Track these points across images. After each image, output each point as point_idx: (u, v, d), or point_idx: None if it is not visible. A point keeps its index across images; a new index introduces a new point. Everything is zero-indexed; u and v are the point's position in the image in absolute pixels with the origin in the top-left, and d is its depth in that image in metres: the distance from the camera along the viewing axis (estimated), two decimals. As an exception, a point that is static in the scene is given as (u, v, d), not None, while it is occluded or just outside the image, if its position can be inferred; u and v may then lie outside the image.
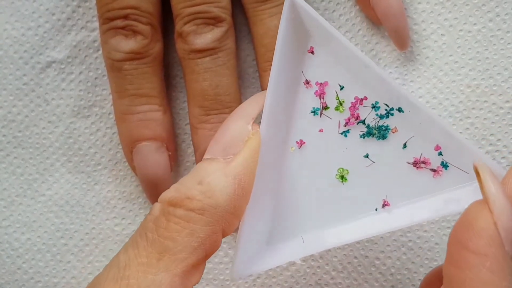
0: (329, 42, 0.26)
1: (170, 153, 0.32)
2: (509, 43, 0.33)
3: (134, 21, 0.31)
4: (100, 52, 0.33)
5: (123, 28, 0.31)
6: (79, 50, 0.34)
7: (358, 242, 0.34)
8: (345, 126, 0.27)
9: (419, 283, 0.34)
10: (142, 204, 0.34)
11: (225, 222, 0.24)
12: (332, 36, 0.25)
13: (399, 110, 0.26)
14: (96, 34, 0.33)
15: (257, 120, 0.26)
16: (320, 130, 0.27)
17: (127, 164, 0.33)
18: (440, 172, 0.26)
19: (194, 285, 0.24)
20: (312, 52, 0.27)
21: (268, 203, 0.26)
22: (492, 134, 0.33)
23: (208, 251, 0.24)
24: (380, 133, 0.27)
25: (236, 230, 0.26)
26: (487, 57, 0.33)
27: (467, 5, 0.33)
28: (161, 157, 0.32)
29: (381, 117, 0.26)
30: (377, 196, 0.27)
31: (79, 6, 0.33)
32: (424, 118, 0.25)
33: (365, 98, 0.26)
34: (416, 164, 0.26)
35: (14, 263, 0.34)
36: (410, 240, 0.34)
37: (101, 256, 0.34)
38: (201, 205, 0.24)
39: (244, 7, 0.32)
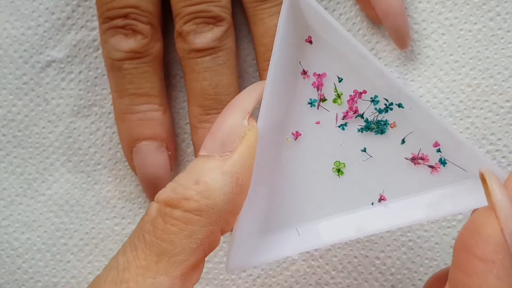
0: (328, 32, 0.25)
1: (170, 152, 0.32)
2: (509, 42, 0.33)
3: (134, 20, 0.31)
4: (100, 51, 0.33)
5: (123, 27, 0.31)
6: (79, 49, 0.34)
7: (358, 242, 0.34)
8: (343, 119, 0.26)
9: (419, 282, 0.34)
10: (142, 204, 0.34)
11: (223, 221, 0.24)
12: (332, 27, 0.25)
13: (399, 105, 0.26)
14: (96, 33, 0.33)
15: (253, 113, 0.25)
16: (317, 122, 0.26)
17: (127, 163, 0.33)
18: (438, 169, 0.26)
19: (195, 284, 0.24)
20: (310, 42, 0.26)
21: (263, 194, 0.26)
22: (492, 134, 0.33)
23: (207, 250, 0.24)
24: (379, 127, 0.26)
25: None
26: (487, 56, 0.33)
27: (467, 4, 0.33)
28: (161, 156, 0.32)
29: (380, 111, 0.26)
30: (374, 190, 0.27)
31: (79, 5, 0.33)
32: (423, 114, 0.25)
33: (364, 91, 0.26)
34: (414, 160, 0.26)
35: (14, 263, 0.34)
36: (410, 240, 0.34)
37: (101, 255, 0.34)
38: (199, 206, 0.23)
39: (244, 7, 0.32)
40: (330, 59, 0.26)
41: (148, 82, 0.31)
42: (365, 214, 0.26)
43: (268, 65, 0.31)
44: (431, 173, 0.26)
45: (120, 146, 0.33)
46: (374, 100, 0.26)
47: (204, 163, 0.24)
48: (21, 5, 0.33)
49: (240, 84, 0.33)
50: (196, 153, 0.32)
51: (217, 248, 0.34)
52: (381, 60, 0.33)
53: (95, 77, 0.34)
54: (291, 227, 0.27)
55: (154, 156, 0.32)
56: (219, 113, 0.31)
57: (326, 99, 0.26)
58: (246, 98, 0.26)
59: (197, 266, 0.24)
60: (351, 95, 0.26)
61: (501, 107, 0.33)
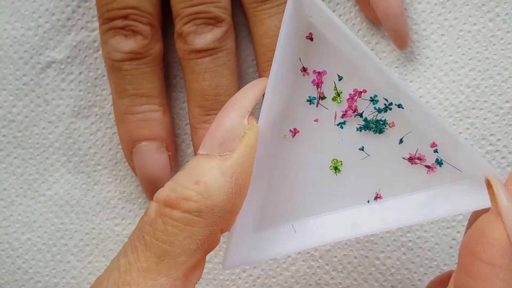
0: (330, 30, 0.25)
1: (170, 153, 0.32)
2: (509, 43, 0.33)
3: (134, 21, 0.31)
4: (100, 52, 0.33)
5: (123, 28, 0.31)
6: (79, 50, 0.34)
7: (358, 242, 0.34)
8: (342, 117, 0.26)
9: (419, 283, 0.34)
10: (142, 204, 0.34)
11: (223, 221, 0.24)
12: (334, 24, 0.25)
13: (399, 106, 0.26)
14: (96, 34, 0.33)
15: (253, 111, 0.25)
16: (316, 120, 0.26)
17: (127, 164, 0.33)
18: (434, 169, 0.26)
19: (196, 283, 0.24)
20: (311, 39, 0.26)
21: (259, 190, 0.26)
22: (492, 134, 0.33)
23: (207, 250, 0.24)
24: (377, 127, 0.26)
25: None
26: (487, 57, 0.33)
27: (467, 5, 0.33)
28: (161, 157, 0.32)
29: (379, 111, 0.26)
30: (370, 189, 0.27)
31: (79, 6, 0.33)
32: (422, 114, 0.25)
33: (364, 91, 0.26)
34: (411, 159, 0.26)
35: (14, 263, 0.34)
36: (410, 240, 0.34)
37: (101, 256, 0.34)
38: (198, 206, 0.23)
39: (244, 7, 0.32)
40: (330, 57, 0.26)
41: (148, 82, 0.31)
42: (360, 212, 0.26)
43: (268, 65, 0.31)
44: (427, 173, 0.26)
45: (120, 146, 0.33)
46: (373, 100, 0.26)
47: (204, 163, 0.24)
48: (21, 6, 0.33)
49: (240, 85, 0.33)
50: (196, 153, 0.32)
51: (217, 248, 0.34)
52: (380, 61, 0.33)
53: (95, 78, 0.34)
54: (287, 224, 0.27)
55: (154, 156, 0.32)
56: (219, 113, 0.31)
57: (325, 97, 0.26)
58: (245, 97, 0.25)
59: (197, 266, 0.24)
60: (351, 94, 0.26)
61: (501, 107, 0.33)
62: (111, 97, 0.33)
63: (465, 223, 0.33)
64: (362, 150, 0.26)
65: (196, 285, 0.34)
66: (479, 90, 0.33)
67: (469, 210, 0.25)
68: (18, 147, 0.34)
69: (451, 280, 0.24)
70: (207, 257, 0.34)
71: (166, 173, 0.32)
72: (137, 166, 0.32)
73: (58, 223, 0.34)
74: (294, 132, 0.26)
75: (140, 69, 0.31)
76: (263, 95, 0.25)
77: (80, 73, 0.34)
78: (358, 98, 0.26)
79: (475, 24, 0.33)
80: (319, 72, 0.26)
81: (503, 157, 0.33)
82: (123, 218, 0.34)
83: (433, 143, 0.26)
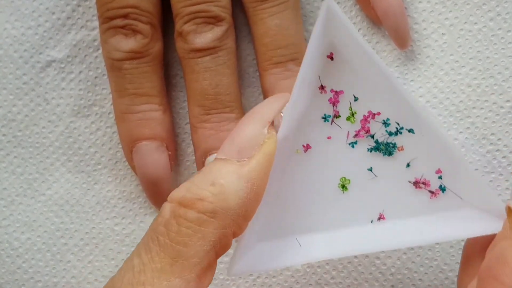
0: (352, 50, 0.26)
1: (170, 152, 0.32)
2: (509, 42, 0.33)
3: (134, 20, 0.31)
4: (100, 51, 0.33)
5: (123, 27, 0.31)
6: (79, 49, 0.34)
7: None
8: (354, 137, 0.27)
9: (419, 282, 0.34)
10: (142, 204, 0.34)
11: (236, 225, 0.24)
12: (359, 45, 0.25)
13: (410, 130, 0.26)
14: (96, 33, 0.33)
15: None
16: (328, 137, 0.27)
17: (127, 163, 0.33)
18: (437, 195, 0.27)
19: (208, 285, 0.24)
20: (331, 58, 0.26)
21: (267, 200, 0.26)
22: (492, 134, 0.33)
23: (219, 252, 0.24)
24: (387, 149, 0.27)
25: None
26: (487, 56, 0.33)
27: (467, 4, 0.33)
28: (160, 156, 0.32)
29: (390, 134, 0.27)
30: (374, 209, 0.27)
31: (79, 5, 0.33)
32: (433, 140, 0.26)
33: (378, 113, 0.27)
34: (416, 183, 0.27)
35: (14, 263, 0.34)
36: (410, 240, 0.34)
37: (101, 255, 0.34)
38: (213, 207, 0.23)
39: (244, 6, 0.32)
40: (349, 77, 0.26)
41: (148, 82, 0.31)
42: (363, 231, 0.27)
43: (268, 64, 0.31)
44: (430, 197, 0.27)
45: (120, 146, 0.33)
46: (386, 123, 0.27)
47: (221, 166, 0.24)
48: (21, 5, 0.33)
49: (240, 84, 0.33)
50: (196, 152, 0.32)
51: (217, 248, 0.34)
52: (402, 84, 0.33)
53: (95, 77, 0.34)
54: (292, 237, 0.27)
55: (154, 156, 0.32)
56: (219, 113, 0.31)
57: (340, 116, 0.27)
58: (268, 108, 0.26)
59: (210, 268, 0.24)
60: (364, 115, 0.27)
61: (501, 107, 0.33)
62: (111, 96, 0.33)
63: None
64: (371, 170, 0.27)
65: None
66: (480, 89, 0.33)
67: (468, 235, 0.26)
68: (18, 146, 0.34)
69: None
70: (207, 257, 0.34)
71: (166, 173, 0.32)
72: (137, 165, 0.32)
73: (58, 222, 0.34)
74: (307, 147, 0.27)
75: (140, 68, 0.31)
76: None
77: (80, 72, 0.34)
78: (372, 119, 0.27)
79: (475, 23, 0.33)
80: (336, 91, 0.27)
81: (503, 157, 0.33)
82: (123, 218, 0.34)
83: (439, 169, 0.27)
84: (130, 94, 0.31)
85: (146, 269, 0.23)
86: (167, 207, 0.24)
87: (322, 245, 0.27)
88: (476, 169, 0.33)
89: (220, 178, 0.24)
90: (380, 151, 0.27)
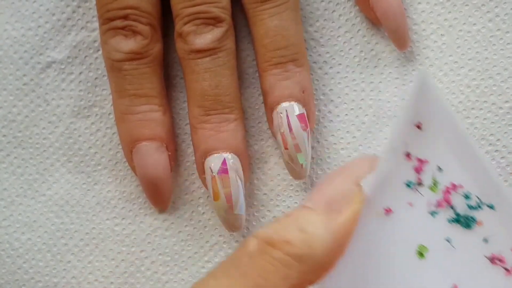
0: (441, 123, 0.26)
1: (170, 153, 0.32)
2: (508, 43, 0.33)
3: (134, 21, 0.31)
4: (100, 52, 0.33)
5: (122, 28, 0.31)
6: (79, 50, 0.34)
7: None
8: (435, 207, 0.27)
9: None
10: (142, 204, 0.34)
11: (316, 274, 0.24)
12: (449, 119, 0.26)
13: (490, 206, 0.27)
14: (96, 34, 0.33)
15: None
16: (410, 204, 0.27)
17: (127, 164, 0.33)
18: None
19: None
20: (419, 128, 0.27)
21: (345, 258, 0.27)
22: (491, 134, 0.33)
23: None
24: (466, 222, 0.27)
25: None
26: (486, 57, 0.33)
27: (466, 5, 0.33)
28: (160, 157, 0.32)
29: (470, 207, 0.27)
30: (449, 279, 0.27)
31: (79, 6, 0.33)
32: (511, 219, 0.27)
33: (460, 186, 0.27)
34: (492, 259, 0.27)
35: (15, 263, 0.34)
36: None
37: (101, 256, 0.34)
38: (300, 252, 0.24)
39: (244, 7, 0.32)
40: (435, 149, 0.27)
41: (148, 82, 0.31)
42: None
43: (268, 65, 0.31)
44: (505, 275, 0.27)
45: (120, 146, 0.33)
46: (467, 196, 0.27)
47: (309, 215, 0.25)
48: (21, 6, 0.33)
49: (240, 85, 0.33)
50: (196, 153, 0.32)
51: (217, 248, 0.34)
52: (380, 61, 0.33)
53: (95, 78, 0.34)
54: None
55: (154, 156, 0.32)
56: (219, 113, 0.31)
57: (423, 184, 0.27)
58: (359, 167, 0.26)
59: None
60: (447, 187, 0.27)
61: (500, 107, 0.33)
62: (111, 97, 0.33)
63: None
64: (448, 241, 0.27)
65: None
66: (479, 90, 0.33)
67: None
68: (18, 147, 0.34)
69: None
70: (207, 257, 0.34)
71: (166, 173, 0.32)
72: (137, 166, 0.32)
73: (58, 223, 0.34)
74: (388, 211, 0.27)
75: (140, 69, 0.31)
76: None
77: (80, 73, 0.34)
78: (453, 191, 0.27)
79: (474, 24, 0.33)
80: (421, 160, 0.27)
81: (502, 157, 0.33)
82: (123, 218, 0.34)
83: None
84: (130, 95, 0.31)
85: None
86: (253, 241, 0.24)
87: None
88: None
89: (308, 226, 0.24)
90: (459, 223, 0.27)
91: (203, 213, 0.34)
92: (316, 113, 0.33)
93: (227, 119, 0.31)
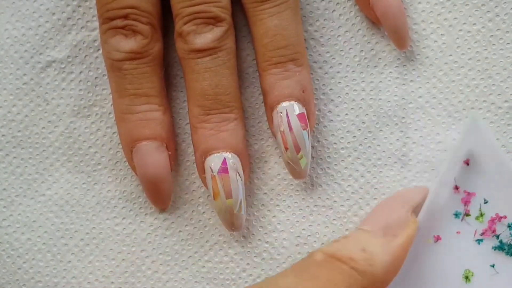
0: (488, 159, 0.30)
1: (170, 152, 0.32)
2: (508, 43, 0.33)
3: (134, 20, 0.31)
4: (100, 51, 0.33)
5: (123, 28, 0.31)
6: (80, 49, 0.34)
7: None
8: (481, 235, 0.30)
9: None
10: (142, 204, 0.34)
11: None
12: (496, 157, 0.30)
13: None
14: (97, 33, 0.33)
15: None
16: (458, 232, 0.30)
17: (127, 163, 0.33)
18: None
19: None
20: (467, 163, 0.30)
21: (398, 280, 0.29)
22: (491, 134, 0.33)
23: None
24: (510, 250, 0.30)
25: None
26: (486, 57, 0.33)
27: (466, 5, 0.33)
28: (160, 156, 0.32)
29: None
30: None
31: (79, 6, 0.33)
32: None
33: (505, 217, 0.30)
34: None
35: (15, 263, 0.34)
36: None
37: (101, 256, 0.34)
38: (362, 269, 0.26)
39: (244, 7, 0.32)
40: (482, 182, 0.30)
41: (148, 82, 0.31)
42: None
43: (268, 65, 0.31)
44: None
45: (120, 146, 0.33)
46: (510, 226, 0.30)
47: (369, 237, 0.28)
48: (22, 6, 0.33)
49: (240, 85, 0.33)
50: (196, 153, 0.32)
51: (217, 247, 0.34)
52: (380, 60, 0.33)
53: (96, 78, 0.34)
54: None
55: (154, 156, 0.32)
56: (219, 113, 0.31)
57: (470, 215, 0.30)
58: (412, 196, 0.30)
59: None
60: (492, 217, 0.30)
61: (500, 107, 0.33)
62: (111, 96, 0.33)
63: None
64: (493, 267, 0.30)
65: (196, 284, 0.34)
66: (478, 89, 0.33)
67: None
68: (18, 146, 0.34)
69: None
70: (207, 257, 0.34)
71: (166, 173, 0.32)
72: (137, 165, 0.32)
73: (58, 222, 0.34)
74: (437, 238, 0.30)
75: (140, 69, 0.31)
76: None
77: (81, 72, 0.34)
78: (498, 221, 0.30)
79: (474, 24, 0.33)
80: (469, 193, 0.31)
81: (502, 157, 0.33)
82: (124, 218, 0.34)
83: None
84: (130, 94, 0.31)
85: None
86: (319, 254, 0.27)
87: None
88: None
89: (369, 246, 0.27)
90: (503, 251, 0.30)
91: (203, 212, 0.34)
92: (316, 112, 0.34)
93: (227, 119, 0.31)
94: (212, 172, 0.31)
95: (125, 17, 0.31)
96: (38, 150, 0.34)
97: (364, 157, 0.33)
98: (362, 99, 0.33)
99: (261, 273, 0.34)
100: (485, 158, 0.30)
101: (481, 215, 0.30)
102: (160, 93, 0.32)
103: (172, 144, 0.33)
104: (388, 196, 0.32)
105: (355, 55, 0.34)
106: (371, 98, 0.33)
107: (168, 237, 0.34)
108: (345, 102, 0.34)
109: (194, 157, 0.33)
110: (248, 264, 0.34)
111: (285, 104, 0.31)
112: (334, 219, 0.33)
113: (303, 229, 0.34)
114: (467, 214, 0.31)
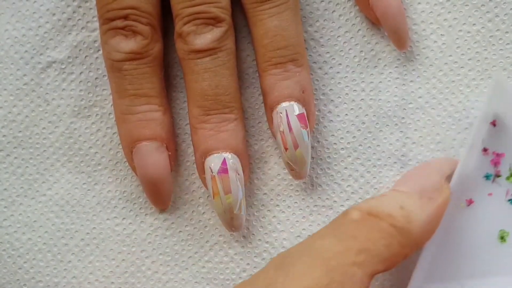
0: None
1: (170, 153, 0.32)
2: (508, 44, 0.33)
3: (134, 21, 0.31)
4: (101, 52, 0.33)
5: (123, 28, 0.31)
6: (80, 50, 0.34)
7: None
8: None
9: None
10: (142, 204, 0.34)
11: (411, 249, 0.26)
12: None
13: None
14: (97, 34, 0.33)
15: None
16: (489, 194, 0.31)
17: (127, 164, 0.33)
18: None
19: None
20: (494, 125, 0.30)
21: (430, 247, 0.29)
22: (491, 134, 0.33)
23: (389, 266, 0.26)
24: None
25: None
26: (486, 58, 0.33)
27: (466, 5, 0.33)
28: (161, 157, 0.32)
29: None
30: None
31: (79, 6, 0.33)
32: None
33: None
34: None
35: (16, 263, 0.34)
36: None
37: (102, 256, 0.34)
38: (401, 226, 0.26)
39: (243, 7, 0.32)
40: (510, 143, 0.30)
41: (148, 82, 0.31)
42: None
43: (268, 65, 0.31)
44: None
45: (120, 146, 0.33)
46: None
47: (406, 197, 0.27)
48: (22, 6, 0.33)
49: (240, 85, 0.33)
50: (196, 153, 0.32)
51: (217, 248, 0.34)
52: (380, 61, 0.33)
53: (96, 78, 0.34)
54: (454, 282, 0.31)
55: (154, 156, 0.32)
56: (219, 113, 0.31)
57: (500, 176, 0.31)
58: (445, 163, 0.30)
59: (372, 277, 0.26)
60: None
61: (500, 107, 0.33)
62: (111, 97, 0.33)
63: None
64: None
65: (196, 285, 0.34)
66: (478, 90, 0.33)
67: None
68: (19, 147, 0.34)
69: None
70: (207, 257, 0.34)
71: (166, 173, 0.32)
72: (137, 166, 0.32)
73: (59, 223, 0.34)
74: (470, 202, 0.31)
75: (140, 69, 0.31)
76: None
77: (81, 73, 0.34)
78: None
79: (474, 24, 0.33)
80: (498, 154, 0.31)
81: (502, 157, 0.33)
82: (124, 218, 0.34)
83: None
84: (130, 95, 0.31)
85: (331, 249, 0.26)
86: (355, 212, 0.27)
87: None
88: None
89: (407, 205, 0.27)
90: None
91: (204, 213, 0.34)
92: (316, 113, 0.34)
93: (227, 119, 0.31)
94: (212, 173, 0.31)
95: (125, 17, 0.31)
96: (39, 150, 0.34)
97: (363, 157, 0.33)
98: (362, 99, 0.33)
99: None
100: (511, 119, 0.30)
101: None
102: (160, 93, 0.32)
103: (172, 144, 0.33)
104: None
105: (355, 56, 0.34)
106: (371, 99, 0.33)
107: (168, 238, 0.34)
108: (345, 103, 0.34)
109: (194, 158, 0.33)
110: (248, 264, 0.34)
111: (285, 104, 0.31)
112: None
113: (303, 229, 0.34)
114: (498, 175, 0.30)
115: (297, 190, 0.34)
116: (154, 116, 0.32)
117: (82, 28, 0.34)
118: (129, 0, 0.30)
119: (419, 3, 0.33)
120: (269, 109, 0.32)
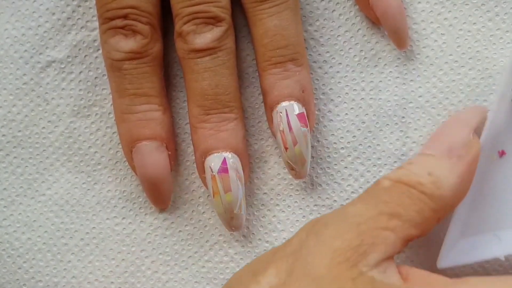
0: None
1: (170, 152, 0.32)
2: (508, 43, 0.33)
3: (134, 20, 0.31)
4: (100, 51, 0.33)
5: (122, 27, 0.31)
6: (79, 49, 0.34)
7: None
8: None
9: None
10: (142, 204, 0.34)
11: (443, 213, 0.27)
12: None
13: None
14: (96, 33, 0.33)
15: None
16: None
17: (127, 163, 0.33)
18: None
19: (397, 254, 0.26)
20: None
21: (466, 201, 0.29)
22: (491, 133, 0.33)
23: (422, 232, 0.26)
24: None
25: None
26: (486, 56, 0.33)
27: (466, 4, 0.33)
28: (160, 156, 0.32)
29: None
30: None
31: (79, 6, 0.33)
32: None
33: None
34: None
35: (15, 263, 0.34)
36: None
37: (101, 255, 0.34)
38: (431, 192, 0.26)
39: (243, 7, 0.32)
40: None
41: (148, 82, 0.31)
42: None
43: (268, 65, 0.31)
44: None
45: (120, 146, 0.33)
46: None
47: (434, 161, 0.27)
48: (21, 6, 0.33)
49: (240, 85, 0.33)
50: (195, 153, 0.32)
51: (217, 247, 0.34)
52: (380, 60, 0.33)
53: (95, 77, 0.34)
54: (491, 233, 0.31)
55: (154, 156, 0.32)
56: (219, 113, 0.31)
57: None
58: (472, 115, 0.30)
59: (408, 241, 0.26)
60: None
61: (500, 106, 0.33)
62: (111, 96, 0.33)
63: None
64: None
65: (196, 284, 0.34)
66: (479, 89, 0.33)
67: None
68: (18, 146, 0.34)
69: None
70: (207, 257, 0.34)
71: (166, 173, 0.32)
72: (137, 165, 0.32)
73: (59, 222, 0.34)
74: (502, 153, 0.31)
75: (140, 69, 0.31)
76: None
77: (80, 72, 0.34)
78: None
79: (474, 23, 0.33)
80: None
81: (502, 156, 0.33)
82: (124, 218, 0.34)
83: None
84: (130, 94, 0.31)
85: (363, 214, 0.26)
86: (386, 181, 0.27)
87: None
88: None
89: (436, 170, 0.27)
90: None
91: (203, 212, 0.34)
92: (316, 112, 0.34)
93: (227, 119, 0.31)
94: (212, 172, 0.31)
95: (125, 17, 0.31)
96: (38, 150, 0.34)
97: (364, 156, 0.33)
98: (362, 98, 0.33)
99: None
100: None
101: None
102: (160, 93, 0.32)
103: (172, 144, 0.33)
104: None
105: (355, 55, 0.33)
106: (371, 98, 0.33)
107: (168, 237, 0.34)
108: (345, 102, 0.34)
109: (194, 157, 0.33)
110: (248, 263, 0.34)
111: (284, 104, 0.31)
112: (334, 219, 0.33)
113: (303, 228, 0.34)
114: None
115: (297, 190, 0.34)
116: (154, 116, 0.32)
117: (82, 27, 0.34)
118: (128, 0, 0.30)
119: (419, 2, 0.33)
120: (269, 108, 0.32)
